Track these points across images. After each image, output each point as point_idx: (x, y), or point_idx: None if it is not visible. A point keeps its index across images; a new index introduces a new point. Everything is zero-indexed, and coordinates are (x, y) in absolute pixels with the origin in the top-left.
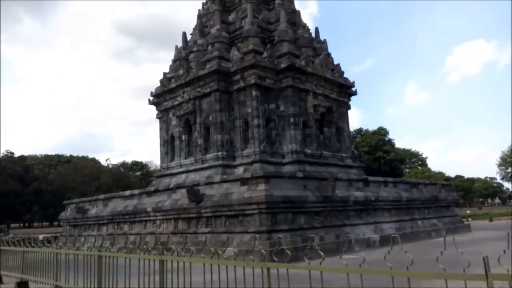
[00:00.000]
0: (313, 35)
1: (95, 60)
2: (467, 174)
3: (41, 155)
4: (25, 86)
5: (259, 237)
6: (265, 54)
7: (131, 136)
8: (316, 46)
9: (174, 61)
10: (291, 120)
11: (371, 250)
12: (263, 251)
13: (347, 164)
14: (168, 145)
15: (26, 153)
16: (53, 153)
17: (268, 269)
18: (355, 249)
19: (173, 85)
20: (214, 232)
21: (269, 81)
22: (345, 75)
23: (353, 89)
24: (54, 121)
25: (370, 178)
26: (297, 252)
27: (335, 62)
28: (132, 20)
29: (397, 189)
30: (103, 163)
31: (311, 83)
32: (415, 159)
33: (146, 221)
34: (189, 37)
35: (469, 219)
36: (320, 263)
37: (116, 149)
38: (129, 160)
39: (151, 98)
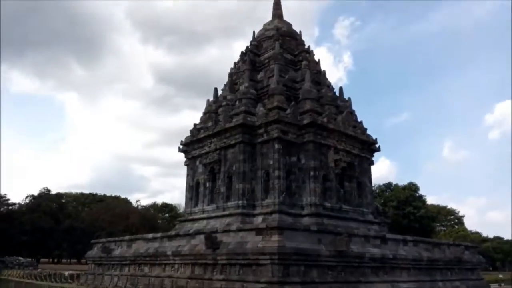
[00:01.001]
0: (338, 93)
1: (136, 106)
2: (507, 236)
3: (76, 192)
4: (70, 128)
5: None
6: (288, 111)
7: (164, 178)
8: (339, 104)
9: (204, 113)
10: (311, 173)
11: None
12: None
13: (367, 220)
14: (193, 191)
15: (63, 190)
16: (88, 192)
17: None
18: None
19: (201, 135)
20: (229, 280)
21: (292, 136)
22: (378, 127)
23: (376, 145)
24: (92, 161)
25: (389, 235)
26: None
27: (368, 113)
28: (170, 70)
29: (418, 248)
30: (134, 203)
31: (333, 139)
32: (451, 217)
33: (165, 264)
34: (219, 93)
35: (502, 284)
36: None
37: (149, 190)
38: (159, 201)
39: (181, 146)
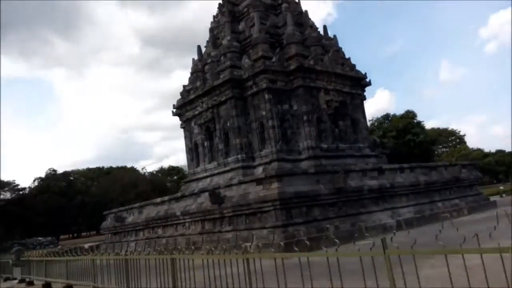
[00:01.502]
0: (322, 32)
1: (127, 73)
2: (509, 148)
3: (83, 169)
4: (64, 105)
5: (275, 231)
6: (274, 59)
7: (167, 142)
8: (325, 44)
9: (191, 73)
10: (305, 118)
11: (387, 235)
12: (281, 243)
13: (364, 154)
14: (192, 152)
15: (69, 168)
16: (94, 166)
17: (282, 259)
18: (370, 235)
19: (192, 96)
20: (237, 230)
21: (281, 83)
22: (374, 58)
23: (367, 80)
24: (93, 135)
25: (385, 166)
26: (312, 242)
27: (362, 45)
28: (155, 31)
29: (415, 173)
30: (141, 171)
31: (322, 80)
32: (452, 137)
33: (176, 224)
34: (204, 50)
35: (503, 195)
36: (336, 249)
37: (154, 156)
38: (166, 165)
39: (174, 110)
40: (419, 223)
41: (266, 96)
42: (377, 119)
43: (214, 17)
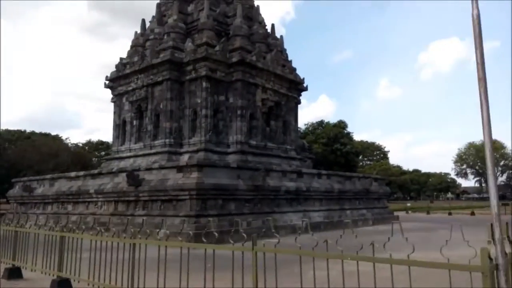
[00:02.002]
0: (270, 30)
1: (66, 34)
2: (426, 169)
3: (1, 129)
4: None
5: (187, 221)
6: (217, 48)
7: (101, 114)
8: (270, 42)
9: (131, 47)
10: (239, 112)
11: (294, 236)
12: (190, 232)
13: (290, 156)
14: (119, 129)
15: None
16: (16, 128)
17: (166, 247)
18: (280, 234)
19: (127, 71)
20: (150, 215)
21: (220, 74)
22: (322, 63)
23: (304, 85)
24: (22, 95)
25: (305, 170)
26: (223, 235)
27: (314, 49)
28: None
29: (330, 180)
30: (72, 141)
31: (261, 78)
32: (377, 152)
33: (88, 202)
34: (148, 25)
35: (409, 211)
36: (243, 244)
37: (85, 126)
38: (95, 139)
39: (107, 82)
40: (327, 228)
41: (204, 84)
42: (312, 124)
43: None
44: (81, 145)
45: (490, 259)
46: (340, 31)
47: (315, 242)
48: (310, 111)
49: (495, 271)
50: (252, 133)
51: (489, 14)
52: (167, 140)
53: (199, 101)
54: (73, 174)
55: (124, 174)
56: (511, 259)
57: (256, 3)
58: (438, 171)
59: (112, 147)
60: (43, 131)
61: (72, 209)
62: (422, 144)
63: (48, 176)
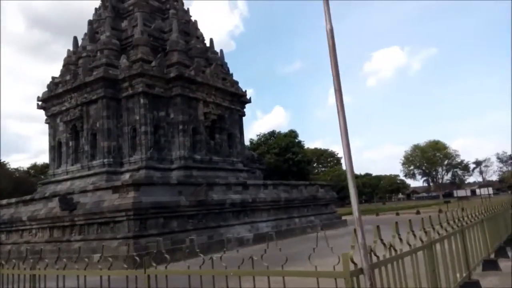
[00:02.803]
0: (209, 45)
1: (5, 52)
2: (378, 172)
3: None
4: None
5: (126, 243)
6: (153, 63)
7: (46, 135)
8: (209, 56)
9: (63, 65)
10: (180, 127)
11: (242, 248)
12: (130, 254)
13: (237, 168)
14: (55, 151)
15: None
16: None
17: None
18: (227, 248)
19: (60, 90)
20: (87, 240)
21: (159, 89)
22: (272, 75)
23: (247, 98)
24: None
25: (249, 181)
26: (163, 255)
27: (264, 61)
28: (43, 12)
29: (277, 190)
30: (13, 166)
31: (202, 92)
32: (331, 158)
33: (22, 230)
34: (80, 42)
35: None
36: (166, 267)
37: (30, 150)
38: (41, 161)
39: (40, 103)
40: (277, 237)
41: (142, 100)
42: (264, 135)
43: (96, 9)
44: (25, 169)
45: (355, 264)
46: (289, 42)
47: (259, 253)
48: (266, 122)
49: (359, 276)
50: (196, 147)
51: (426, 19)
52: (105, 160)
53: (137, 118)
54: (4, 201)
55: (57, 199)
56: (384, 262)
57: (193, 18)
58: (388, 174)
59: (49, 171)
60: None
61: (6, 239)
62: (372, 148)
63: None
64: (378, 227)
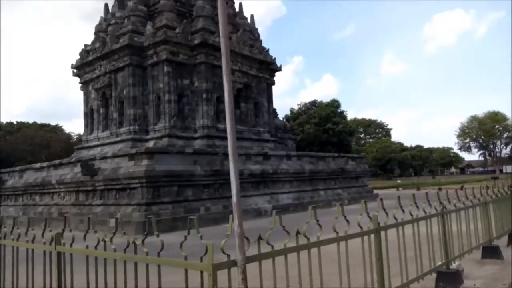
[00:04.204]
0: (238, 10)
1: (66, 21)
2: (431, 145)
3: (3, 122)
4: None
5: (139, 209)
6: (177, 30)
7: None
8: (238, 22)
9: (94, 33)
10: (204, 95)
11: (259, 219)
12: (139, 220)
13: (263, 138)
14: (88, 117)
15: None
16: (23, 120)
17: None
18: (244, 218)
19: (90, 57)
20: (106, 204)
21: (183, 57)
22: (324, 42)
23: (278, 65)
24: (25, 87)
25: (271, 152)
26: (176, 222)
27: (314, 28)
28: None
29: (301, 162)
30: (68, 131)
31: None
32: (379, 129)
33: (53, 193)
34: (111, 9)
35: (400, 188)
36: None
37: None
38: None
39: (75, 71)
40: (297, 209)
41: (165, 68)
42: (305, 104)
43: None
44: (79, 134)
45: (228, 255)
46: (342, 7)
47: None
48: (314, 91)
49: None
50: (220, 116)
51: None
52: (131, 128)
53: (161, 86)
54: (38, 165)
55: (79, 164)
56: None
57: None
58: (441, 146)
59: (82, 136)
60: (47, 122)
61: (39, 200)
62: (426, 120)
63: (17, 168)
64: (278, 214)
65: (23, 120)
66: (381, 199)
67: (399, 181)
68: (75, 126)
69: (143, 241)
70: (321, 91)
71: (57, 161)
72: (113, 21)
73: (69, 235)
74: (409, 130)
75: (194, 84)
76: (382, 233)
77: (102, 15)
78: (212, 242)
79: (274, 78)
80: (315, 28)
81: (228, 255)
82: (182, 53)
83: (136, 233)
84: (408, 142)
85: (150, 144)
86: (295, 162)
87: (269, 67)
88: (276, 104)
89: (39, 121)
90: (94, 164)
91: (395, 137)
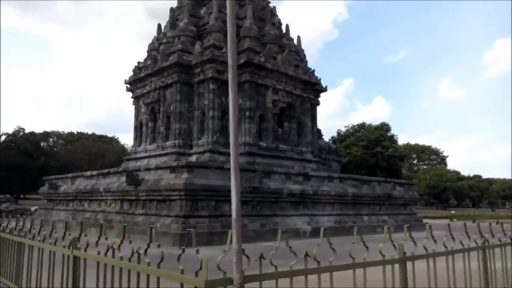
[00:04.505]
0: (285, 31)
1: (126, 42)
2: (492, 174)
3: (63, 132)
4: (60, 64)
5: (177, 221)
6: (224, 49)
7: None
8: (284, 43)
9: (147, 51)
10: (247, 113)
11: (296, 240)
12: (176, 232)
13: (305, 158)
14: (137, 130)
15: (66, 129)
16: (87, 131)
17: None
18: (281, 238)
19: (142, 74)
20: (147, 214)
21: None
22: (377, 64)
23: (323, 86)
24: (86, 100)
25: (312, 172)
26: (213, 237)
27: (368, 50)
28: (162, 4)
29: (343, 184)
30: (123, 142)
31: (271, 79)
32: (434, 156)
33: (100, 200)
34: (164, 30)
35: (454, 220)
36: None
37: None
38: None
39: (128, 86)
40: (337, 233)
41: (211, 86)
42: (353, 126)
43: None
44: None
45: (224, 272)
46: (395, 31)
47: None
48: (365, 113)
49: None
50: (262, 134)
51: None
52: (176, 142)
53: (206, 102)
54: (88, 173)
55: (125, 174)
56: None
57: (272, 4)
58: (502, 177)
59: (131, 148)
60: (105, 133)
61: (88, 206)
62: (486, 148)
63: (70, 175)
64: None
65: (83, 131)
66: (430, 226)
67: (453, 212)
68: (130, 138)
69: (179, 256)
70: (372, 114)
71: (105, 170)
72: (164, 40)
73: (104, 242)
74: (467, 158)
75: (238, 102)
76: (409, 263)
77: (156, 34)
78: (207, 258)
79: (319, 99)
80: (367, 51)
81: (225, 272)
82: (227, 71)
83: (174, 244)
84: (466, 171)
85: (193, 158)
86: (337, 184)
87: (314, 88)
88: (324, 125)
89: (97, 133)
90: (139, 175)
91: (451, 165)
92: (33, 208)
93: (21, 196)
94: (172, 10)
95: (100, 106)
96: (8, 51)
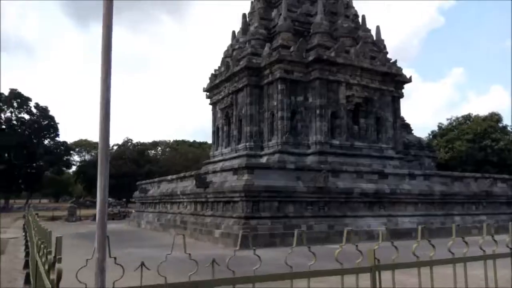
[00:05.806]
0: (361, 22)
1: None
2: None
3: (169, 140)
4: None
5: (238, 222)
6: (292, 48)
7: None
8: (360, 35)
9: (222, 58)
10: (318, 111)
11: (370, 242)
12: (238, 234)
13: (385, 156)
14: (214, 135)
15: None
16: (187, 139)
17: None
18: (351, 241)
19: (217, 81)
20: (214, 216)
21: (297, 74)
22: (497, 48)
23: (408, 76)
24: (190, 110)
25: (388, 170)
26: (274, 238)
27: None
28: None
29: (429, 182)
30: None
31: (344, 74)
32: None
33: (179, 202)
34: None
35: None
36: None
37: None
38: None
39: (207, 93)
40: (422, 235)
41: (279, 86)
42: (457, 118)
43: (251, 2)
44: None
45: (85, 284)
46: (506, 12)
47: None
48: (480, 104)
49: None
50: (335, 132)
51: None
52: (247, 144)
53: (275, 103)
54: (169, 177)
55: (194, 177)
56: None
57: None
58: None
59: (210, 152)
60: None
61: (170, 209)
62: None
63: (156, 179)
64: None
65: (188, 139)
66: None
67: None
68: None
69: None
70: (488, 104)
71: (182, 174)
72: (237, 46)
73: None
74: None
75: (308, 100)
76: None
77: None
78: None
79: (403, 91)
80: (478, 37)
81: (85, 284)
82: (296, 70)
83: (235, 245)
84: None
85: (263, 159)
86: (420, 182)
87: (395, 79)
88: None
89: (200, 140)
90: (207, 178)
91: None
92: (133, 211)
93: (130, 200)
94: (244, 16)
95: (202, 114)
96: (119, 67)
